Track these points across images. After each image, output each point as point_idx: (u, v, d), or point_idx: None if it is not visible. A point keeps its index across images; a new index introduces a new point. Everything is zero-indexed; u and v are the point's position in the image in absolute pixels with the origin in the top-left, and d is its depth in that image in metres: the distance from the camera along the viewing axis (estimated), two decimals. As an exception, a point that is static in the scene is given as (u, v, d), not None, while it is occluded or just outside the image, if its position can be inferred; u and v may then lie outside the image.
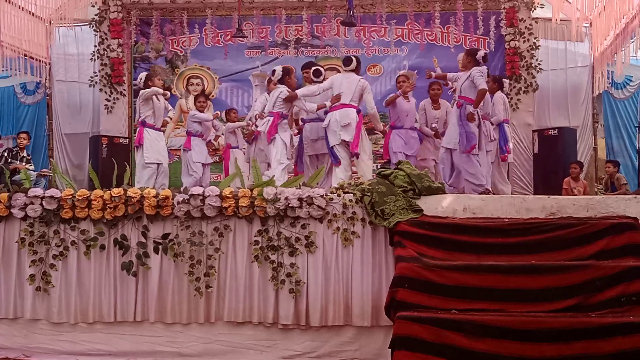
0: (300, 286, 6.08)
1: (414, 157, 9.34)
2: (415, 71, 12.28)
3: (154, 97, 9.50)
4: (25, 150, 10.80)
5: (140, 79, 9.87)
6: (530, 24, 11.73)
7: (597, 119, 12.48)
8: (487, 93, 8.50)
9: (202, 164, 10.28)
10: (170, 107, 10.08)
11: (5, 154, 10.40)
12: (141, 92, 9.64)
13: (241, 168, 8.27)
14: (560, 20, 11.15)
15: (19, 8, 11.43)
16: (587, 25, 11.92)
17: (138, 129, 9.68)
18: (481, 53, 8.34)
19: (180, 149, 11.19)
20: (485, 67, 8.28)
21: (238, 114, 11.26)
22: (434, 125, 9.72)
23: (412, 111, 9.55)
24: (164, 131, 10.06)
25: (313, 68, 9.24)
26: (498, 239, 5.80)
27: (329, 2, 12.05)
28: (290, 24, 12.47)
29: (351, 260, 6.11)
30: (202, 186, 6.79)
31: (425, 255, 5.65)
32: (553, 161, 10.94)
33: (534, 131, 11.65)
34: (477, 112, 8.21)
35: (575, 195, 9.68)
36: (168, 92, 10.20)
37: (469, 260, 5.61)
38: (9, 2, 11.07)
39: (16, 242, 6.38)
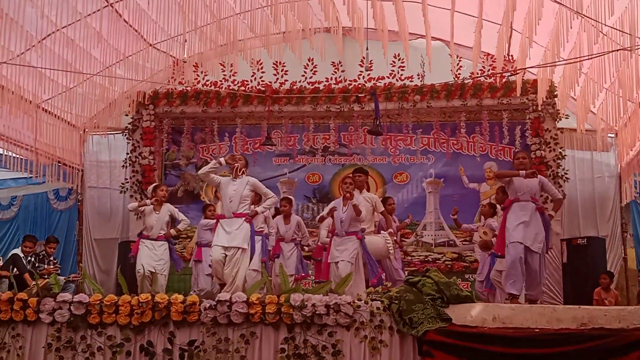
0: (327, 397, 5.96)
1: None
2: (442, 179, 12.41)
3: (145, 210, 9.52)
4: (51, 255, 10.85)
5: (149, 191, 9.99)
6: (556, 134, 11.80)
7: (625, 228, 12.37)
8: None
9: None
10: (182, 216, 9.77)
11: (32, 259, 10.48)
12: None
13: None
14: (586, 130, 11.22)
15: (55, 117, 11.78)
16: (613, 135, 11.99)
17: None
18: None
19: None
20: None
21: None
22: None
23: None
24: (169, 240, 9.61)
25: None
26: (528, 349, 5.70)
27: (356, 111, 12.27)
28: (318, 133, 12.69)
29: (379, 370, 6.02)
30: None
31: (454, 366, 5.56)
32: (583, 271, 10.80)
33: (562, 240, 11.57)
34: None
35: (607, 305, 9.52)
36: (147, 202, 9.71)
37: (499, 372, 5.51)
38: (46, 112, 11.42)
39: (43, 347, 6.38)
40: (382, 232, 8.96)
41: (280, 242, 10.15)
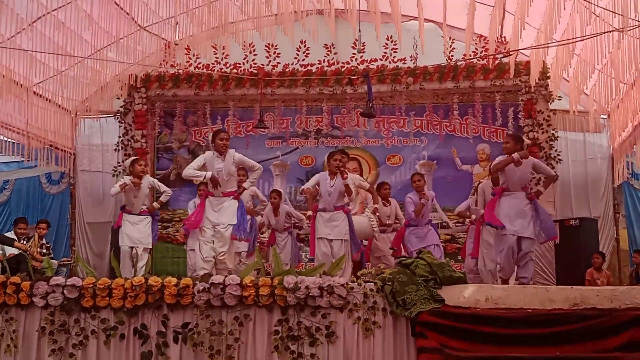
0: (320, 378, 5.99)
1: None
2: (435, 161, 12.42)
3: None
4: (44, 238, 10.76)
5: (127, 165, 9.80)
6: (549, 116, 11.80)
7: (618, 209, 12.39)
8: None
9: None
10: (165, 187, 9.71)
11: (25, 242, 10.41)
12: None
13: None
14: (578, 112, 11.22)
15: (47, 100, 11.72)
16: (605, 117, 11.99)
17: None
18: (527, 142, 8.36)
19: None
20: None
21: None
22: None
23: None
24: (151, 214, 9.52)
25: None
26: (521, 330, 5.73)
27: (349, 94, 12.24)
28: (310, 115, 12.65)
29: (372, 351, 6.04)
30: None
31: (447, 347, 5.59)
32: (575, 251, 10.84)
33: (554, 221, 11.57)
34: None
35: (599, 286, 9.57)
36: (126, 182, 9.29)
37: (491, 352, 5.54)
38: (38, 95, 11.36)
39: (36, 330, 6.38)
40: (366, 211, 8.97)
41: (275, 232, 10.16)
